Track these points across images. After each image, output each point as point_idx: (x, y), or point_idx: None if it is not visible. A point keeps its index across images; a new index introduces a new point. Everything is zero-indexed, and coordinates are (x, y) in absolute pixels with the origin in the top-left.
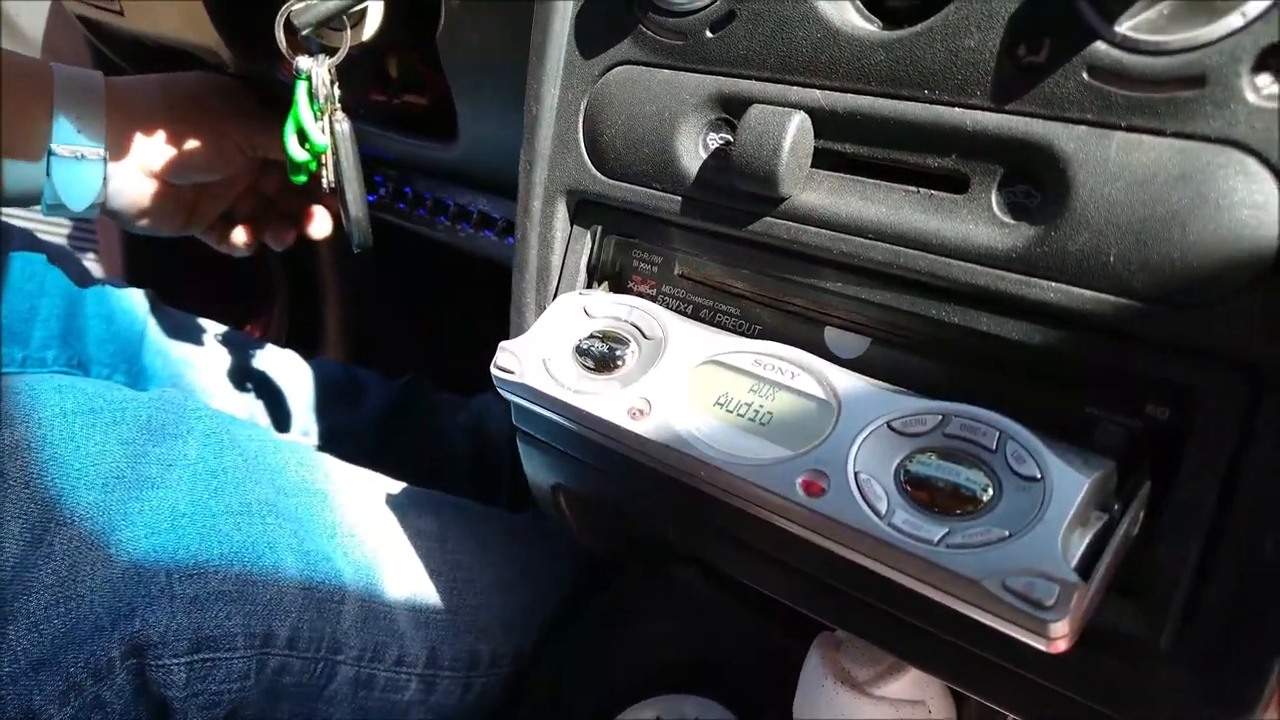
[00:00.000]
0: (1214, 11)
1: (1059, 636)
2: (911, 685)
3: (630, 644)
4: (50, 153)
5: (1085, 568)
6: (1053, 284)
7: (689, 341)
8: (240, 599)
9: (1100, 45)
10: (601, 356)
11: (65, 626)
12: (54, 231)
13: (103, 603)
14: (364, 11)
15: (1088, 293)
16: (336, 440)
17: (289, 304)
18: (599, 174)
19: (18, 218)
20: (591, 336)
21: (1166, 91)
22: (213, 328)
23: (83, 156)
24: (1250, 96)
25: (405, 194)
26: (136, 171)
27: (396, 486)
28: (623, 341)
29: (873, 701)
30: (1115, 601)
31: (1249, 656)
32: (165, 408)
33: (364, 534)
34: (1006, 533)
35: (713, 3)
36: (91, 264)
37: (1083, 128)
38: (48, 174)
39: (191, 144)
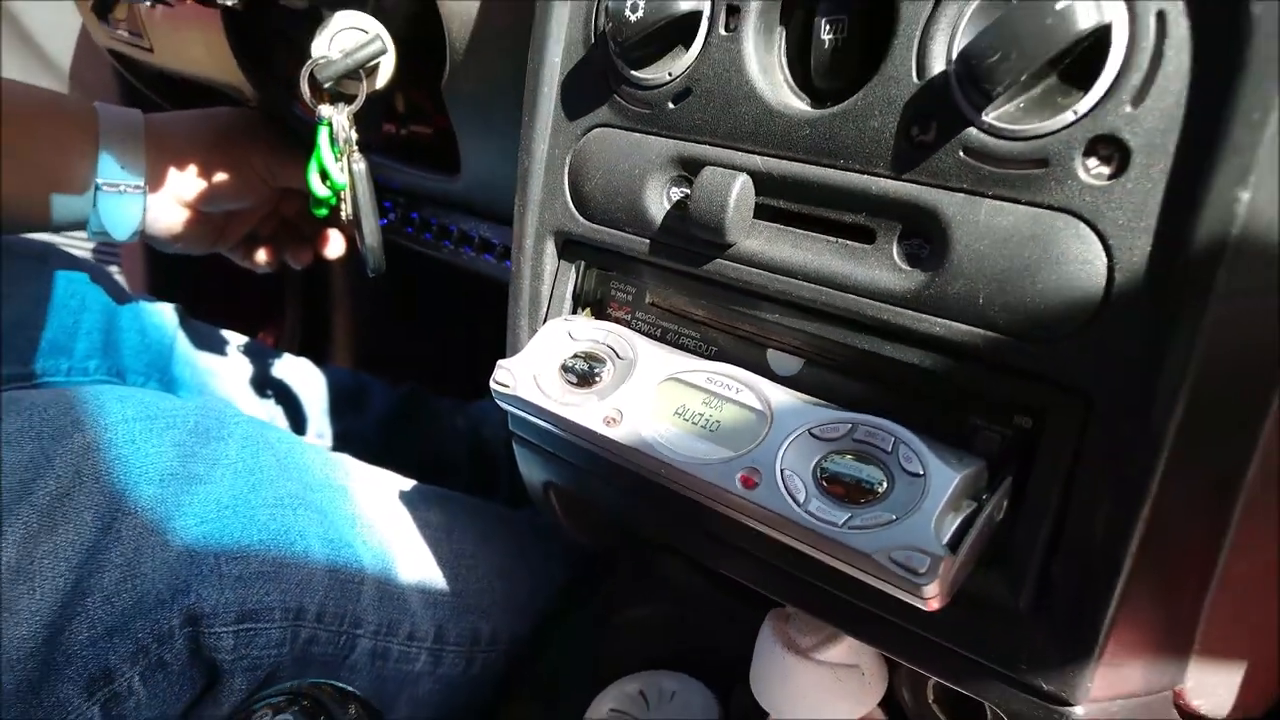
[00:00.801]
0: (1055, 108)
1: (931, 597)
2: (847, 650)
3: (616, 627)
4: (96, 186)
5: (954, 544)
6: (938, 320)
7: (655, 361)
8: (276, 578)
9: (973, 130)
10: (583, 373)
11: (132, 600)
12: (80, 245)
13: (163, 580)
14: (378, 64)
15: (964, 327)
16: (346, 442)
17: (301, 314)
18: (581, 218)
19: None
20: (574, 356)
21: (1021, 169)
22: (234, 338)
23: (125, 190)
24: (1082, 175)
25: (413, 219)
26: (172, 201)
27: (407, 484)
28: (600, 361)
29: (815, 665)
30: (984, 572)
31: (1087, 615)
32: (209, 414)
33: (379, 525)
34: (894, 517)
35: (674, 80)
36: (115, 275)
37: (960, 195)
38: (94, 205)
39: (220, 176)
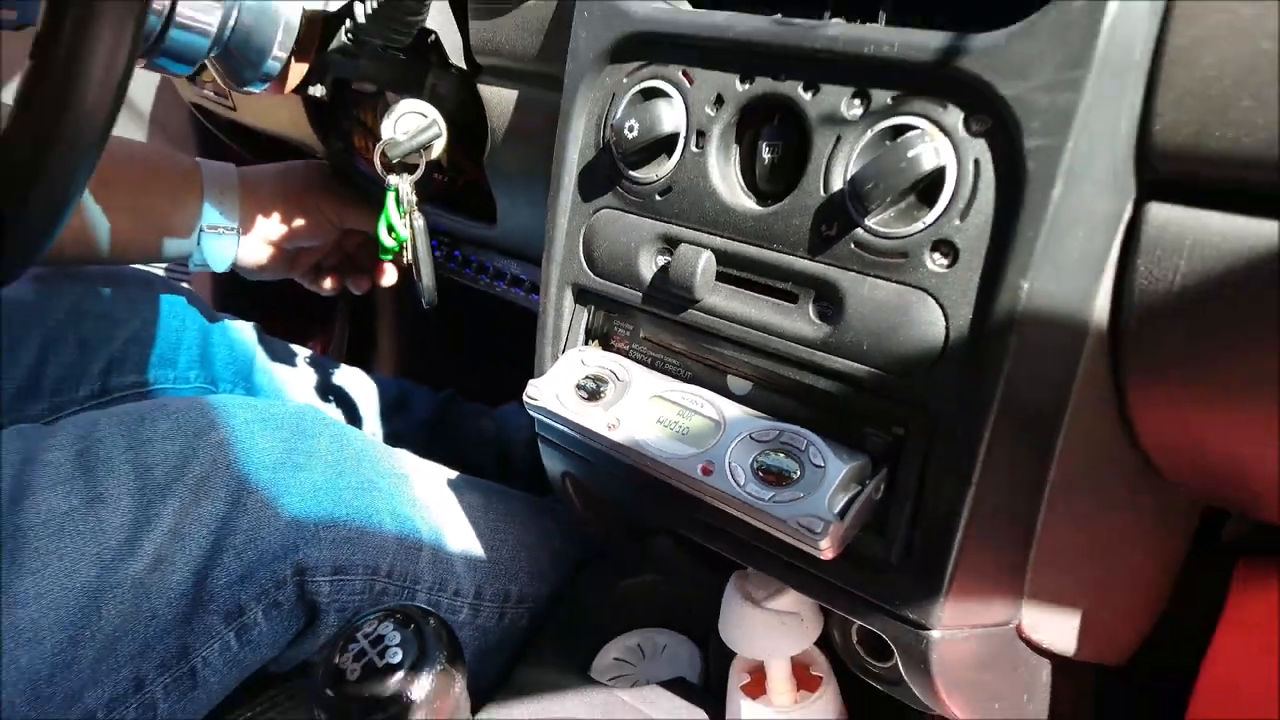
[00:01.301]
0: (911, 219)
1: (825, 549)
2: (791, 601)
3: (619, 593)
4: (200, 229)
5: (842, 514)
6: (839, 359)
7: (645, 383)
8: (358, 543)
9: (859, 230)
10: (591, 390)
11: (255, 555)
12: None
13: (277, 541)
14: (434, 143)
15: (856, 365)
16: (395, 439)
17: (349, 328)
18: (592, 275)
19: None
20: (586, 378)
21: (891, 259)
22: (301, 351)
23: (223, 232)
24: (929, 265)
25: (455, 256)
26: (259, 240)
27: (451, 474)
28: (605, 381)
29: (766, 612)
30: (869, 535)
31: (936, 567)
32: (305, 417)
33: (432, 505)
34: (802, 495)
35: (659, 180)
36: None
37: (852, 273)
38: (198, 244)
39: (298, 221)
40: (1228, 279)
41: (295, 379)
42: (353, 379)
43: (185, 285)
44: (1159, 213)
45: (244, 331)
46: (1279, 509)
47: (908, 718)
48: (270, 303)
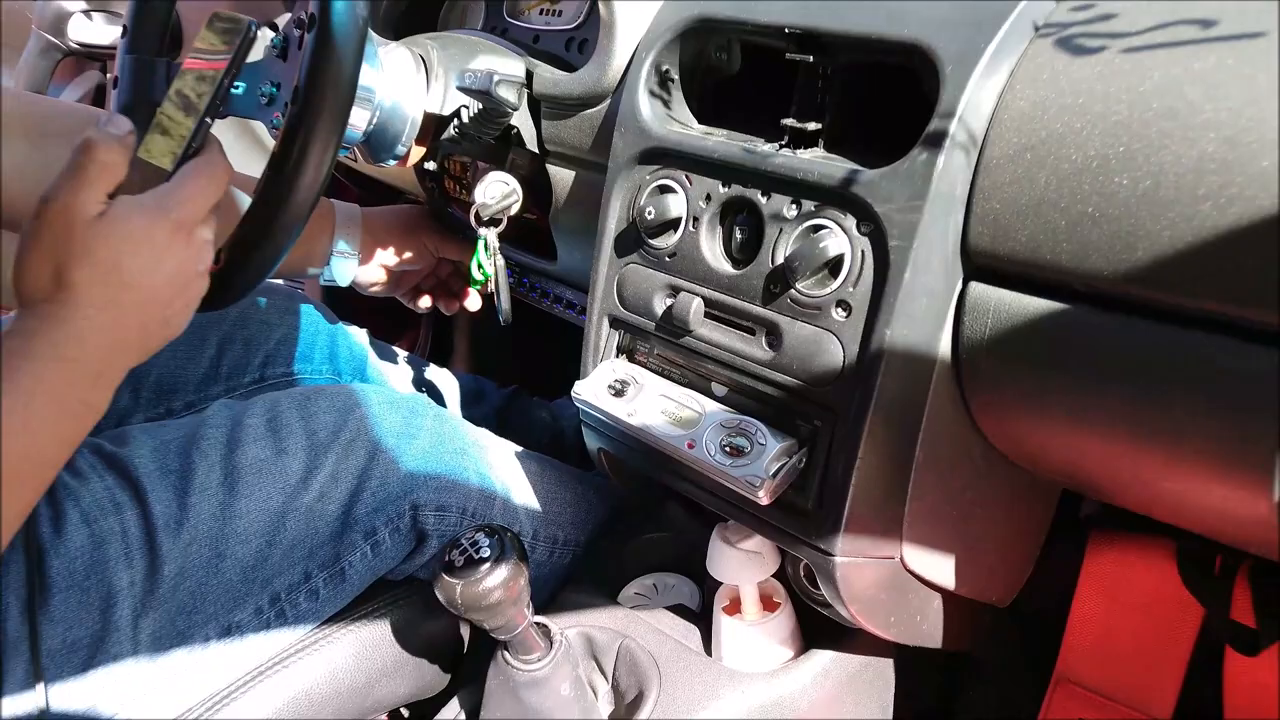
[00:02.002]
0: (824, 284)
1: (762, 497)
2: (755, 543)
3: (639, 545)
4: (331, 254)
5: (774, 475)
6: (781, 375)
7: (655, 386)
8: (453, 491)
9: (793, 290)
10: (618, 390)
11: (385, 495)
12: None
13: (399, 486)
14: (514, 204)
15: (790, 379)
16: (473, 423)
17: (431, 331)
18: (621, 309)
19: None
20: (615, 381)
21: (811, 310)
22: (400, 352)
23: (347, 256)
24: (835, 315)
25: (524, 283)
26: (374, 264)
27: (518, 448)
28: (628, 384)
29: (737, 550)
30: (794, 492)
31: (835, 514)
32: (416, 401)
33: (504, 469)
34: (749, 462)
35: (669, 247)
36: None
37: (787, 318)
38: (329, 264)
39: (405, 252)
40: (1016, 333)
41: (397, 373)
42: (439, 374)
43: (304, 295)
44: (976, 289)
45: (358, 335)
46: (1108, 494)
47: (838, 631)
48: (373, 312)
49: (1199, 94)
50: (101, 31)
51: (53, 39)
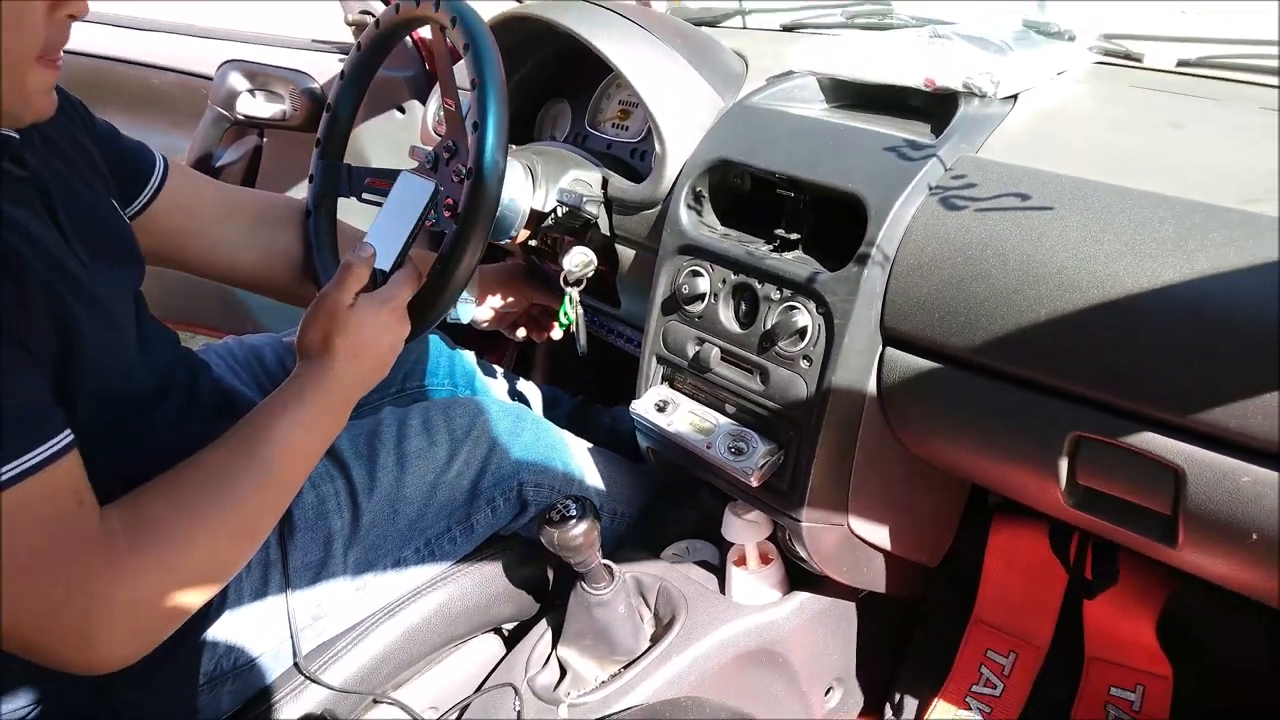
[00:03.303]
0: (795, 344)
1: (753, 483)
2: (755, 515)
3: (673, 517)
4: None
5: (760, 467)
6: (768, 401)
7: (687, 405)
8: (545, 474)
9: (780, 343)
10: (661, 407)
11: (500, 475)
12: None
13: (510, 469)
14: (590, 270)
15: (774, 404)
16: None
17: (519, 350)
18: (666, 351)
19: None
20: (659, 400)
21: (787, 359)
22: (497, 369)
23: (468, 300)
24: (801, 364)
25: (594, 320)
26: (486, 306)
27: (590, 445)
28: (669, 403)
29: (742, 520)
30: (776, 478)
31: (800, 492)
32: (520, 410)
33: (580, 460)
34: (745, 459)
35: (698, 312)
36: None
37: (773, 364)
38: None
39: (509, 298)
40: (915, 382)
41: (496, 385)
42: (525, 385)
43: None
44: (890, 353)
45: (468, 355)
46: (989, 486)
47: (815, 579)
48: (475, 337)
49: (1015, 238)
50: (262, 107)
51: (223, 111)
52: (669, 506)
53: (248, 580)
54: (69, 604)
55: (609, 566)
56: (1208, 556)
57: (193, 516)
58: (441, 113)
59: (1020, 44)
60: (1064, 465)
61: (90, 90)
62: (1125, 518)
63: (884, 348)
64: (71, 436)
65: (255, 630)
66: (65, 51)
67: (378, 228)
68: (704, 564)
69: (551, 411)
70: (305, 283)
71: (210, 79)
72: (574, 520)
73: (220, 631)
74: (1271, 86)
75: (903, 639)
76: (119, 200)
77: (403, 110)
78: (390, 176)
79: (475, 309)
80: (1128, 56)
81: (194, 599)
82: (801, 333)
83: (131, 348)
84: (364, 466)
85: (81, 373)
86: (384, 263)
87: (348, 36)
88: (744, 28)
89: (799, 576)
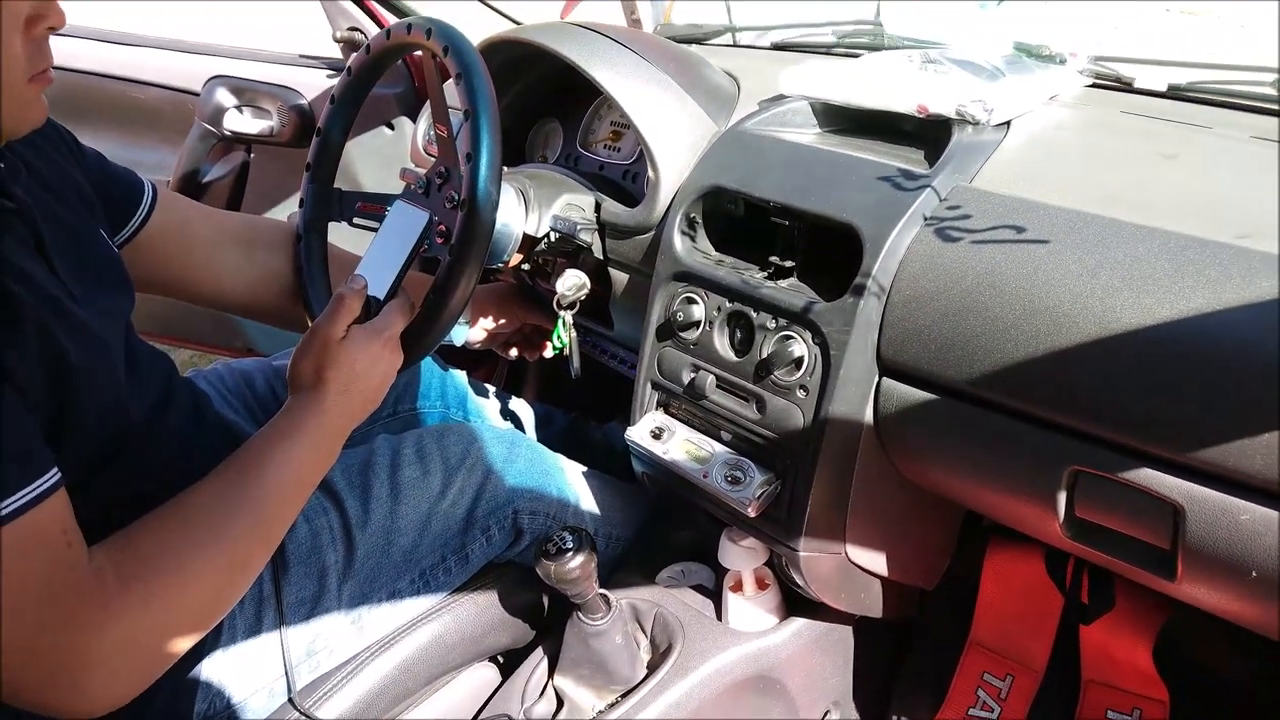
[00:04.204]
0: (792, 374)
1: (750, 512)
2: (751, 541)
3: (670, 540)
4: None
5: (758, 497)
6: (764, 430)
7: (681, 433)
8: (540, 501)
9: (771, 375)
10: (656, 434)
11: (495, 504)
12: None
13: (505, 497)
14: (584, 294)
15: (770, 433)
16: (546, 444)
17: (509, 367)
18: (660, 377)
19: None
20: (655, 427)
21: (784, 389)
22: (489, 388)
23: (462, 323)
24: (798, 394)
25: (587, 341)
26: (479, 328)
27: (584, 469)
28: (664, 430)
29: (738, 546)
30: (773, 507)
31: (798, 522)
32: (515, 436)
33: (575, 484)
34: (743, 488)
35: (693, 339)
36: None
37: (769, 393)
38: None
39: (501, 319)
40: (911, 412)
41: (489, 405)
42: (519, 404)
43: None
44: (886, 383)
45: (460, 375)
46: (985, 513)
47: (812, 604)
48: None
49: (1011, 272)
50: (249, 123)
51: (210, 127)
52: (664, 528)
53: (241, 617)
54: (58, 648)
55: (606, 596)
56: (1206, 591)
57: (183, 554)
58: (432, 133)
59: (1012, 69)
60: (1062, 498)
61: (75, 106)
62: (1123, 551)
63: (880, 378)
64: (59, 475)
65: (249, 667)
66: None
67: (371, 257)
68: (700, 588)
69: (545, 429)
70: (296, 306)
71: (197, 94)
72: (570, 553)
73: (213, 669)
74: (1264, 113)
75: (899, 661)
76: (108, 228)
77: (392, 127)
78: (382, 201)
79: (469, 330)
80: (1119, 80)
81: (186, 638)
82: (798, 362)
83: (122, 377)
84: (357, 498)
85: (74, 407)
86: (377, 291)
87: (336, 52)
88: (734, 45)
89: (795, 601)
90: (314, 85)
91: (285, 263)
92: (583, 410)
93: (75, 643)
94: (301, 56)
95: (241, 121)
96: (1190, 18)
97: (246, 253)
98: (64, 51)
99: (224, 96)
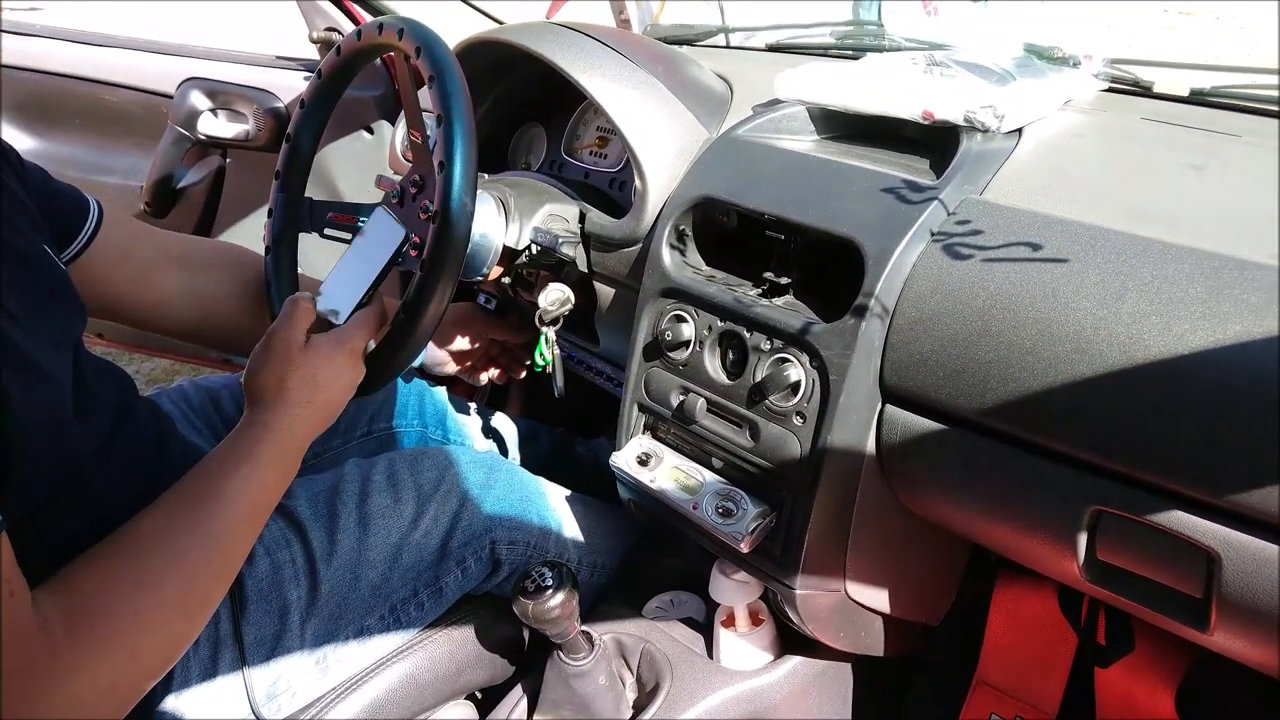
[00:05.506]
0: (788, 399)
1: (743, 547)
2: (743, 575)
3: (658, 568)
4: None
5: (752, 531)
6: (758, 459)
7: (670, 459)
8: (521, 529)
9: (772, 397)
10: (643, 460)
11: (471, 533)
12: None
13: (482, 526)
14: (568, 309)
15: (765, 462)
16: (529, 463)
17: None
18: (648, 399)
19: None
20: (642, 453)
21: (779, 415)
22: (470, 405)
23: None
24: (794, 421)
25: (572, 357)
26: (443, 350)
27: (568, 492)
28: (651, 456)
29: (730, 580)
30: (767, 542)
31: (794, 558)
32: (494, 459)
33: (557, 510)
34: (735, 522)
35: (682, 359)
36: None
37: (763, 419)
38: None
39: (462, 340)
40: (915, 442)
41: (470, 423)
42: (501, 420)
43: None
44: (890, 410)
45: (439, 393)
46: (993, 548)
47: (809, 641)
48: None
49: (1027, 293)
50: (224, 127)
51: (184, 131)
52: (652, 554)
53: (195, 659)
54: (4, 707)
55: (588, 634)
56: (1243, 643)
57: (137, 598)
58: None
59: (1023, 72)
60: (1083, 540)
61: (44, 109)
62: (1149, 598)
63: (884, 405)
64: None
65: (206, 713)
66: (17, 68)
67: (342, 268)
68: (690, 621)
69: (529, 447)
70: (248, 332)
71: (170, 97)
72: (550, 590)
73: (167, 716)
74: None
75: (901, 701)
76: (53, 246)
77: (370, 131)
78: (355, 212)
79: (429, 351)
80: (1137, 84)
81: (140, 685)
82: (794, 388)
83: (69, 403)
84: (323, 529)
85: (13, 438)
86: (345, 305)
87: (313, 53)
88: (727, 46)
89: (791, 636)
90: (291, 88)
91: (237, 286)
92: (569, 425)
93: (23, 702)
94: (278, 58)
95: (216, 125)
96: (1188, 18)
97: (190, 274)
98: (34, 53)
99: (198, 99)
